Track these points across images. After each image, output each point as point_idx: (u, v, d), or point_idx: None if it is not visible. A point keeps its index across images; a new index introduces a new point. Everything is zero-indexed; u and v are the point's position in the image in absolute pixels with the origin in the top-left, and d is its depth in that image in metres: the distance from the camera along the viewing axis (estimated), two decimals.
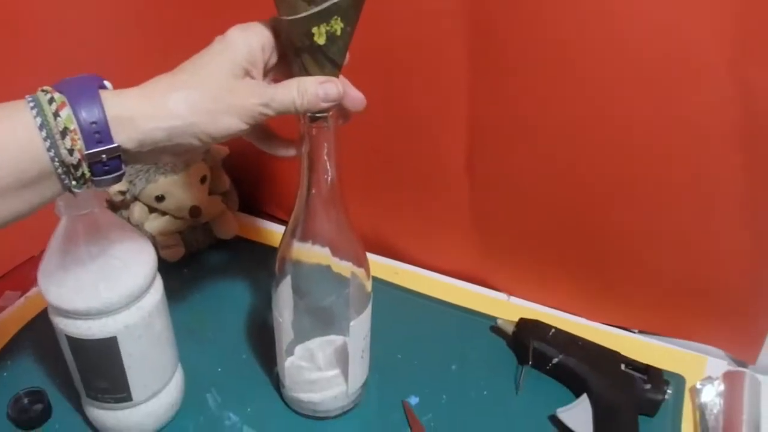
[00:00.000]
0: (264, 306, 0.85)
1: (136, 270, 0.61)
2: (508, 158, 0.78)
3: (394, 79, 0.78)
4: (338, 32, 0.48)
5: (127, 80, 0.49)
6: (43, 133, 0.43)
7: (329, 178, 0.58)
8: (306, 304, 0.66)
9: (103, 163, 0.45)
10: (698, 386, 0.73)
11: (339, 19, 0.48)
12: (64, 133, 0.43)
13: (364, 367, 0.71)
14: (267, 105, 0.49)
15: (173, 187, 0.87)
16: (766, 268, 0.71)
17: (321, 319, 0.68)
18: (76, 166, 0.44)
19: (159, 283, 0.65)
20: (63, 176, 0.45)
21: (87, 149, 0.44)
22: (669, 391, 0.70)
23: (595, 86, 0.67)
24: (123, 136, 0.45)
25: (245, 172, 1.00)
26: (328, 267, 0.63)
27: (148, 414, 0.68)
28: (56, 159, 0.44)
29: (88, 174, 0.45)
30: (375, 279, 0.67)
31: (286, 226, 0.63)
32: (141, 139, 0.46)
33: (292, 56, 0.52)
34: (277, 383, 0.74)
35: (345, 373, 0.69)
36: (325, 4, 0.47)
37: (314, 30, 0.48)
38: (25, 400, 0.71)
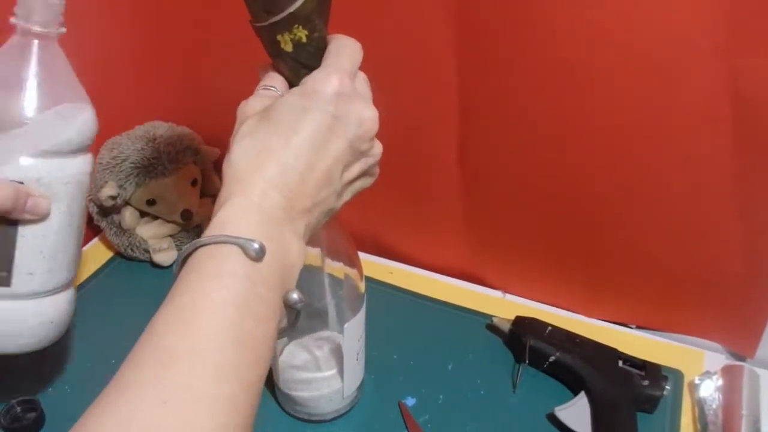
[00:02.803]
0: None
1: (71, 121, 0.55)
2: (501, 152, 0.77)
3: (382, 75, 0.78)
4: (303, 39, 0.48)
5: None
6: None
7: None
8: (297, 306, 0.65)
9: None
10: (696, 381, 0.73)
11: (300, 27, 0.47)
12: None
13: (360, 369, 0.71)
14: None
15: (164, 191, 0.86)
16: (764, 260, 0.71)
17: (314, 322, 0.68)
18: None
19: (89, 160, 0.59)
20: None
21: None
22: (667, 387, 0.70)
23: (586, 76, 0.67)
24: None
25: None
26: (320, 268, 0.62)
27: (22, 313, 0.58)
28: None
29: None
30: (369, 279, 0.67)
31: None
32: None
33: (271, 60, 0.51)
34: (271, 387, 0.73)
35: (341, 373, 0.68)
36: (282, 15, 0.46)
37: (279, 38, 0.48)
38: (18, 409, 0.71)
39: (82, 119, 0.57)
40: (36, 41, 0.52)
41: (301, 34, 0.48)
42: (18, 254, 0.55)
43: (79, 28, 0.86)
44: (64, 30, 0.54)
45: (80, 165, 0.57)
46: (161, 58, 0.92)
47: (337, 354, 0.68)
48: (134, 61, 0.91)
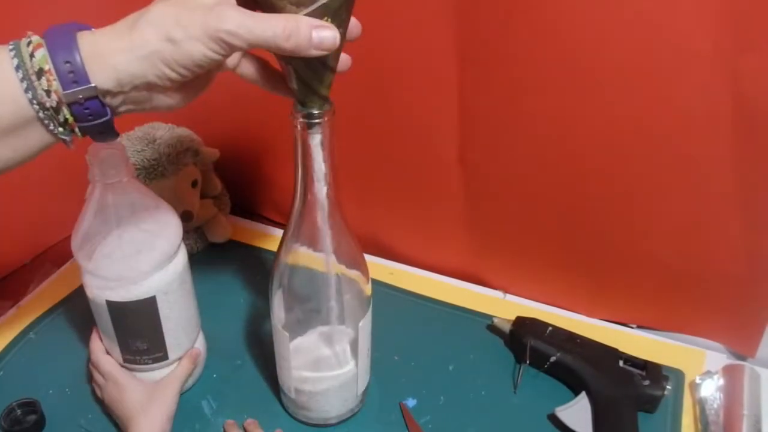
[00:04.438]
0: (259, 310, 0.84)
1: (167, 235, 0.66)
2: (501, 152, 0.77)
3: (384, 76, 0.78)
4: None
5: None
6: (20, 74, 0.43)
7: (325, 183, 0.57)
8: (305, 310, 0.65)
9: (83, 105, 0.44)
10: (697, 381, 0.73)
11: (329, 20, 0.46)
12: (40, 73, 0.43)
13: (369, 367, 0.71)
14: (234, 33, 0.43)
15: (164, 192, 0.86)
16: (764, 260, 0.71)
17: (320, 325, 0.68)
18: (57, 109, 0.44)
19: (183, 245, 0.69)
20: (46, 121, 0.44)
21: (64, 90, 0.43)
22: (668, 387, 0.70)
23: (587, 77, 0.67)
24: (99, 76, 0.44)
25: (237, 174, 1.00)
26: (327, 269, 0.62)
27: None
28: (35, 101, 0.43)
29: (70, 118, 0.45)
30: (371, 280, 0.67)
31: (284, 232, 0.62)
32: (117, 76, 0.44)
33: (283, 63, 0.50)
34: (277, 393, 0.73)
35: (356, 369, 0.68)
36: (314, 6, 0.45)
37: None
38: (18, 411, 0.71)
39: (171, 223, 0.67)
40: (116, 186, 0.62)
41: None
42: (166, 336, 0.68)
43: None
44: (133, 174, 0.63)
45: (180, 258, 0.68)
46: None
47: (348, 351, 0.68)
48: None
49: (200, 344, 0.75)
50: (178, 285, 0.68)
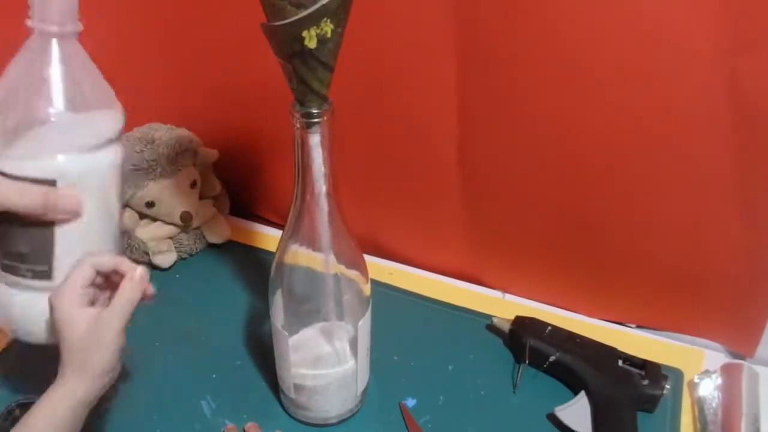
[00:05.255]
0: (258, 310, 0.84)
1: (95, 115, 0.55)
2: (500, 152, 0.77)
3: (384, 76, 0.78)
4: (328, 34, 0.48)
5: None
6: None
7: (324, 183, 0.57)
8: (304, 310, 0.65)
9: None
10: (696, 380, 0.73)
11: (328, 20, 0.47)
12: None
13: (368, 367, 0.71)
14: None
15: (163, 193, 0.86)
16: (763, 260, 0.71)
17: (320, 324, 0.68)
18: None
19: (119, 150, 0.57)
20: None
21: None
22: (667, 386, 0.70)
23: (586, 77, 0.67)
24: None
25: (236, 175, 1.00)
26: (326, 269, 0.62)
27: None
28: None
29: None
30: (370, 280, 0.67)
31: (283, 232, 0.62)
32: None
33: (283, 62, 0.51)
34: (275, 389, 0.73)
35: (355, 367, 0.68)
36: (314, 7, 0.46)
37: (304, 34, 0.47)
38: (18, 412, 0.71)
39: (109, 112, 0.56)
40: (54, 40, 0.51)
41: (328, 28, 0.47)
42: (58, 249, 0.55)
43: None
44: (81, 27, 0.52)
45: (111, 157, 0.56)
46: (159, 60, 0.92)
47: (347, 349, 0.68)
48: (132, 63, 0.91)
49: None
50: (95, 183, 0.55)
